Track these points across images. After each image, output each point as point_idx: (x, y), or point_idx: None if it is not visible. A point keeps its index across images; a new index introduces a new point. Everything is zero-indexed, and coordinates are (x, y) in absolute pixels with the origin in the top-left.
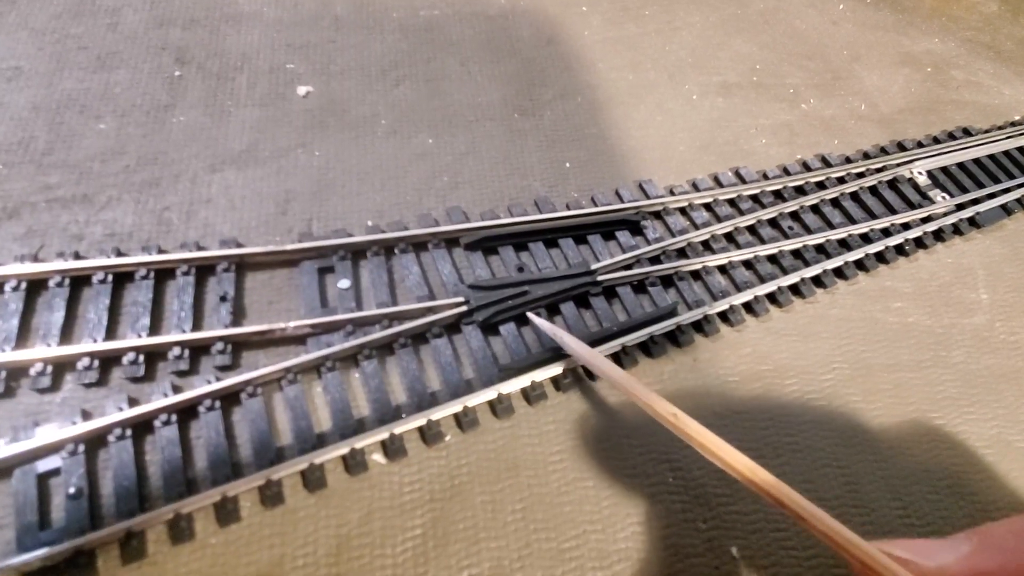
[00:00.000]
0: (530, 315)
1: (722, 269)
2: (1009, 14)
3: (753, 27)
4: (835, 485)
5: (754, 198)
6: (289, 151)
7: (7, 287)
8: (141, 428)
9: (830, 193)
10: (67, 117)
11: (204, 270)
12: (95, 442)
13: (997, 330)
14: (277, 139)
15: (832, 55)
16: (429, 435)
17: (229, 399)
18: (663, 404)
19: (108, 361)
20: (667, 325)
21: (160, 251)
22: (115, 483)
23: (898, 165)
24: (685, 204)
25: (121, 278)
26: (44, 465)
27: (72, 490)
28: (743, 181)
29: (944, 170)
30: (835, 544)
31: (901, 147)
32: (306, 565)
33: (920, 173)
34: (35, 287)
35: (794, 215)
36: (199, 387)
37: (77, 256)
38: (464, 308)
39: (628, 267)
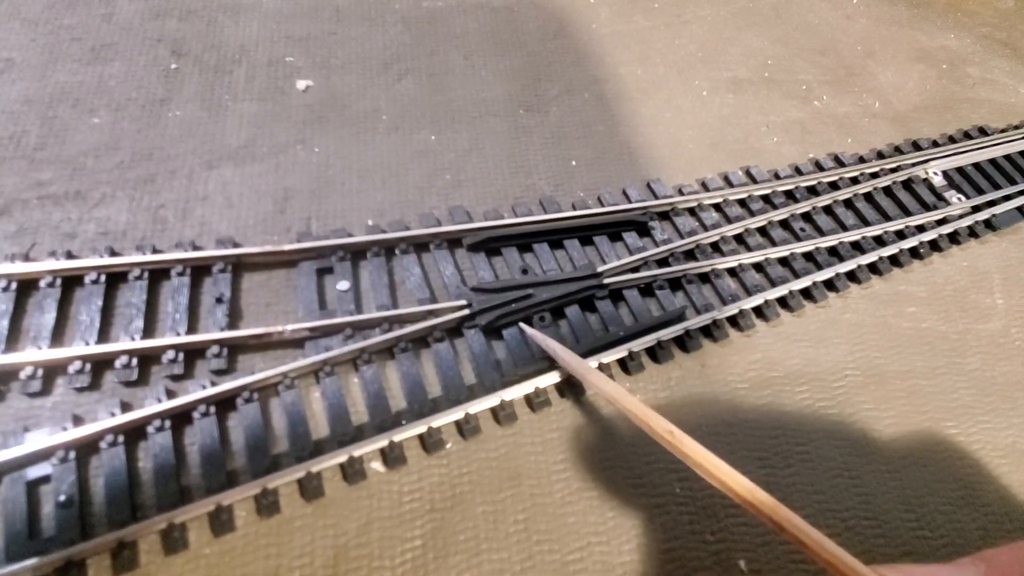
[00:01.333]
0: (522, 326)
1: (732, 272)
2: None
3: (765, 21)
4: (847, 496)
5: (765, 198)
6: (288, 147)
7: None
8: (134, 434)
9: (843, 194)
10: (60, 111)
11: (200, 270)
12: (86, 448)
13: (1013, 336)
14: (276, 135)
15: (846, 50)
16: (429, 443)
17: (224, 404)
18: (659, 420)
19: (100, 364)
20: (675, 330)
21: (155, 251)
22: (107, 491)
23: (913, 165)
24: (694, 204)
25: (114, 278)
26: (34, 472)
27: (62, 498)
28: (754, 181)
29: (960, 170)
30: (837, 571)
31: (916, 146)
32: None
33: (935, 173)
34: (26, 287)
35: (806, 216)
36: (194, 392)
37: (69, 255)
38: (466, 311)
39: (635, 269)
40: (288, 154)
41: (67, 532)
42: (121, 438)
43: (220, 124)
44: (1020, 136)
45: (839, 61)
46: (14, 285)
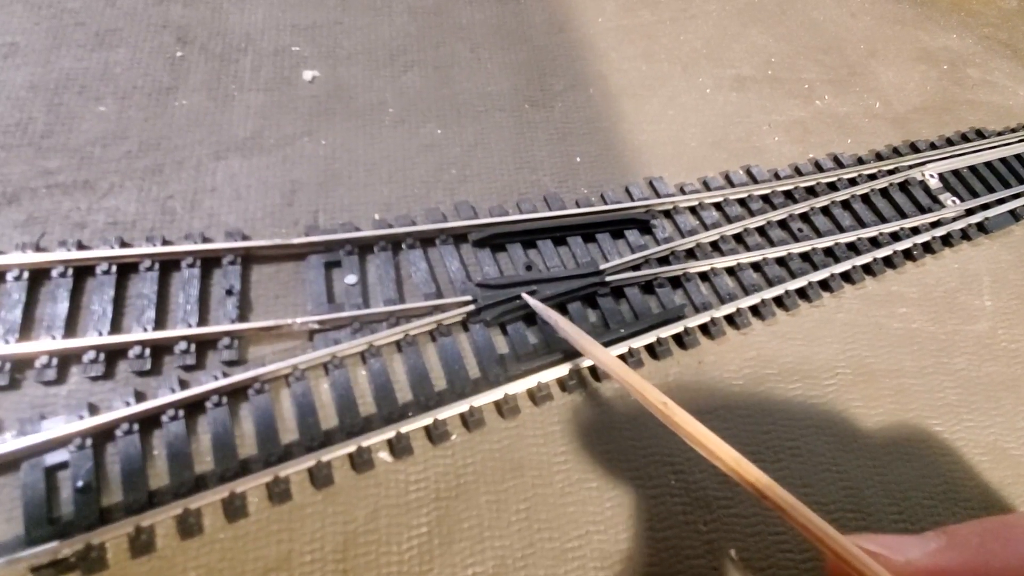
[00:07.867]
0: (525, 296)
1: (730, 271)
2: None
3: (770, 17)
4: (833, 489)
5: (765, 198)
6: (295, 139)
7: (9, 276)
8: (149, 423)
9: (841, 195)
10: (66, 98)
11: (210, 262)
12: (103, 436)
13: (999, 337)
14: (282, 126)
15: (849, 49)
16: (435, 434)
17: (236, 395)
18: (654, 392)
19: (114, 354)
20: (674, 328)
21: (165, 242)
22: (123, 477)
23: (910, 167)
24: (695, 203)
25: (125, 269)
26: (52, 458)
27: (80, 484)
28: (754, 180)
29: (955, 173)
30: (812, 536)
31: (914, 148)
32: (313, 561)
33: (932, 176)
34: (38, 276)
35: (804, 217)
36: (206, 383)
37: (80, 245)
38: (471, 307)
39: (637, 267)
40: (295, 146)
41: (86, 517)
42: (136, 426)
43: (227, 114)
44: (1016, 139)
45: (842, 60)
46: (26, 274)
